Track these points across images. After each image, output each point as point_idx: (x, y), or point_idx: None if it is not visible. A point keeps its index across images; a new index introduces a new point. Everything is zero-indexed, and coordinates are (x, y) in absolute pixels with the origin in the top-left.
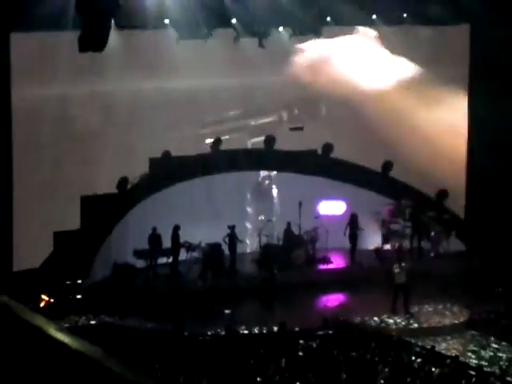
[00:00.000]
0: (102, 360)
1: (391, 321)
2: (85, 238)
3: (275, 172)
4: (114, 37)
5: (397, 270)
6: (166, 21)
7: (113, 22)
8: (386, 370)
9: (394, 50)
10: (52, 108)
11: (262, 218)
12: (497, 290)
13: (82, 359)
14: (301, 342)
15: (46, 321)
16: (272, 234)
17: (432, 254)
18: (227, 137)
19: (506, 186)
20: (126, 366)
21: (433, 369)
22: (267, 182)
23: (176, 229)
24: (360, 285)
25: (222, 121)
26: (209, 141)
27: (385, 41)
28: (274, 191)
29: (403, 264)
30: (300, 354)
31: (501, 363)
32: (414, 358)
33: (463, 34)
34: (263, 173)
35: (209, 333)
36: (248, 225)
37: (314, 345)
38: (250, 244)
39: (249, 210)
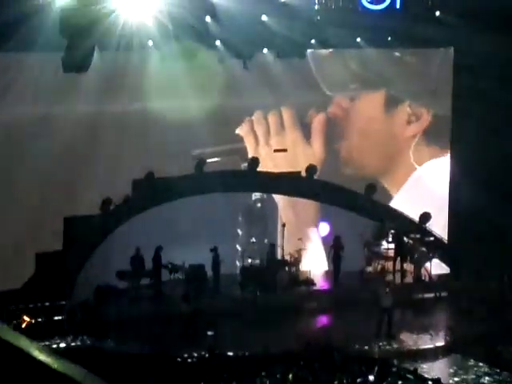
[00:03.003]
0: (84, 381)
1: (374, 344)
2: (67, 259)
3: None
4: (98, 57)
5: (382, 294)
6: (150, 42)
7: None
8: None
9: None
10: (35, 128)
11: (253, 239)
12: (479, 312)
13: (65, 380)
14: (282, 365)
15: (29, 341)
16: (257, 256)
17: (415, 277)
18: (217, 159)
19: (487, 211)
20: None
21: None
22: (259, 204)
23: (158, 250)
24: (344, 307)
25: (210, 143)
26: (194, 162)
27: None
28: (266, 213)
29: (388, 287)
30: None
31: None
32: (397, 380)
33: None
34: (255, 194)
35: (192, 355)
36: (238, 247)
37: (296, 368)
38: (239, 266)
39: (239, 231)
